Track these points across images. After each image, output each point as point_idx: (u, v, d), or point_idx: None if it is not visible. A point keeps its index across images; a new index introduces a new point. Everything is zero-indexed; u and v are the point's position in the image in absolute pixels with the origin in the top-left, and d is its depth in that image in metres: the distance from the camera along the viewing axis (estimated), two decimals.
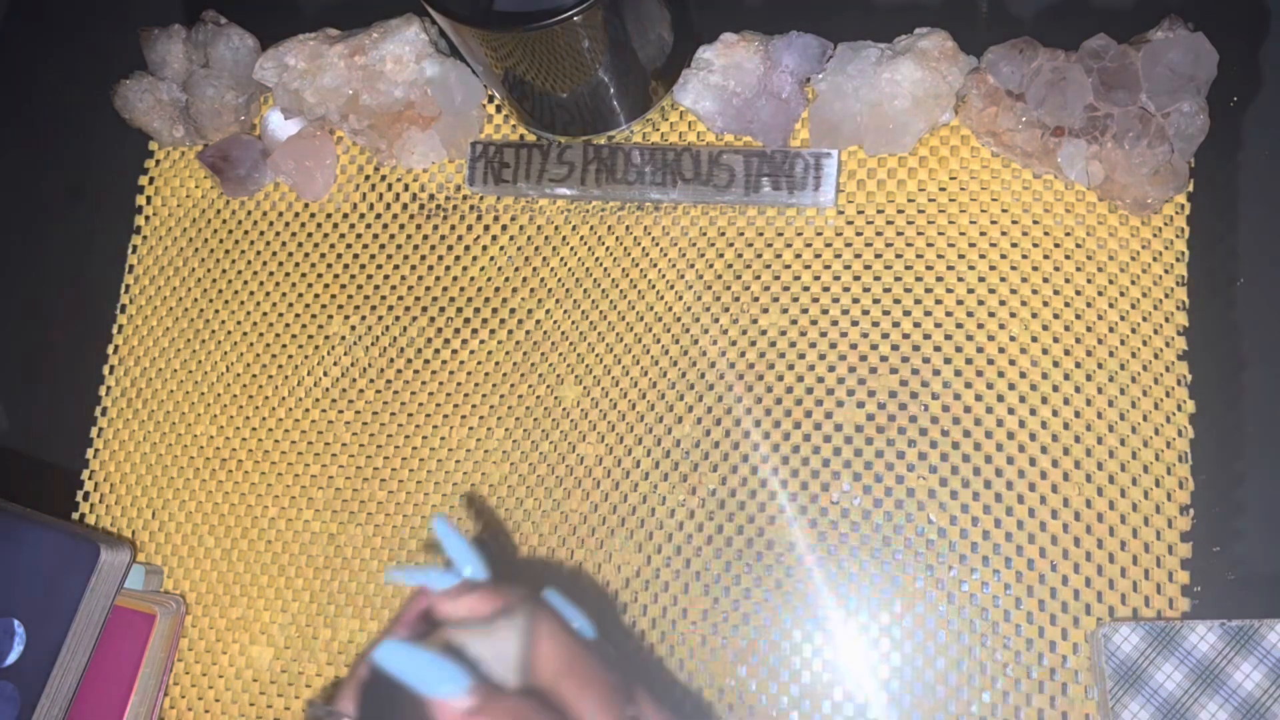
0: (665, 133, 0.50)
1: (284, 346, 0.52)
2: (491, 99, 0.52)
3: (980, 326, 0.45)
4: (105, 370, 0.54)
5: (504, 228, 0.51)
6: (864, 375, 0.46)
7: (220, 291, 0.54)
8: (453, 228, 0.52)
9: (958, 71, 0.45)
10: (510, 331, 0.50)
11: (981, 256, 0.46)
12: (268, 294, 0.53)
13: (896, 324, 0.46)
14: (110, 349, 0.55)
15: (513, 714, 0.33)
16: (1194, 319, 0.44)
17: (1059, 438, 0.44)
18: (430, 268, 0.52)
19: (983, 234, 0.46)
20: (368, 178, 0.53)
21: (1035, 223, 0.46)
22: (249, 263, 0.54)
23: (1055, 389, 0.44)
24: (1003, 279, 0.45)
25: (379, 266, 0.52)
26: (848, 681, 0.43)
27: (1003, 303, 0.45)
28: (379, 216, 0.53)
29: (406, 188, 0.53)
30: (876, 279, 0.47)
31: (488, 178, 0.51)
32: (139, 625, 0.48)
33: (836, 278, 0.47)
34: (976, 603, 0.43)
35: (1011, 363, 0.45)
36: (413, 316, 0.51)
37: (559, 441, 0.48)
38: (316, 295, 0.53)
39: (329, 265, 0.53)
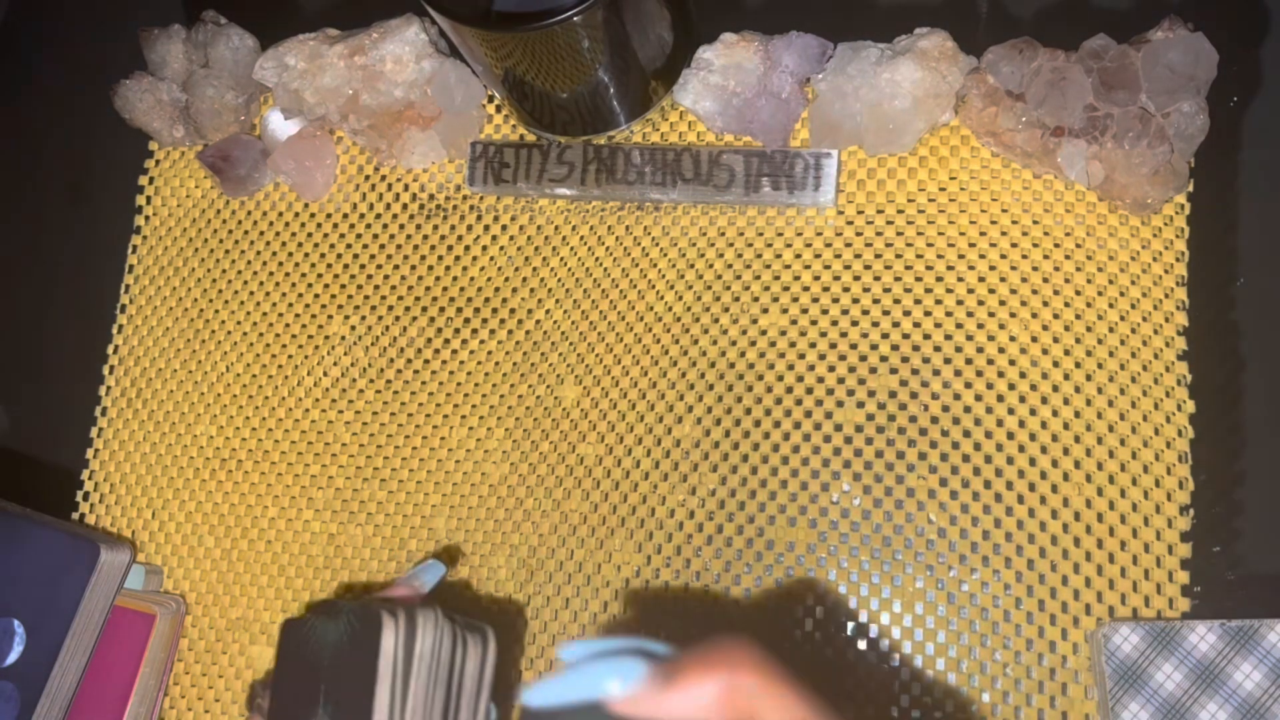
0: (665, 133, 0.50)
1: (284, 346, 0.52)
2: (491, 99, 0.52)
3: (980, 326, 0.45)
4: (105, 370, 0.54)
5: (504, 228, 0.51)
6: (864, 375, 0.46)
7: (220, 291, 0.54)
8: (453, 228, 0.52)
9: (958, 71, 0.45)
10: (510, 331, 0.50)
11: (981, 256, 0.46)
12: (268, 294, 0.53)
13: (896, 324, 0.46)
14: (110, 349, 0.54)
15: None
16: (1194, 319, 0.44)
17: (1059, 438, 0.44)
18: (430, 268, 0.52)
19: (983, 234, 0.46)
20: (367, 178, 0.53)
21: (1035, 223, 0.46)
22: (249, 263, 0.54)
23: (1055, 389, 0.44)
24: (1003, 279, 0.45)
25: (379, 266, 0.52)
26: (847, 681, 0.43)
27: (1003, 303, 0.45)
28: (379, 216, 0.53)
29: (406, 188, 0.53)
30: (876, 279, 0.47)
31: (488, 178, 0.51)
32: (139, 625, 0.48)
33: (836, 278, 0.47)
34: (976, 603, 0.43)
35: (1011, 363, 0.45)
36: (413, 316, 0.51)
37: (559, 441, 0.48)
38: (316, 295, 0.52)
39: (329, 265, 0.53)
